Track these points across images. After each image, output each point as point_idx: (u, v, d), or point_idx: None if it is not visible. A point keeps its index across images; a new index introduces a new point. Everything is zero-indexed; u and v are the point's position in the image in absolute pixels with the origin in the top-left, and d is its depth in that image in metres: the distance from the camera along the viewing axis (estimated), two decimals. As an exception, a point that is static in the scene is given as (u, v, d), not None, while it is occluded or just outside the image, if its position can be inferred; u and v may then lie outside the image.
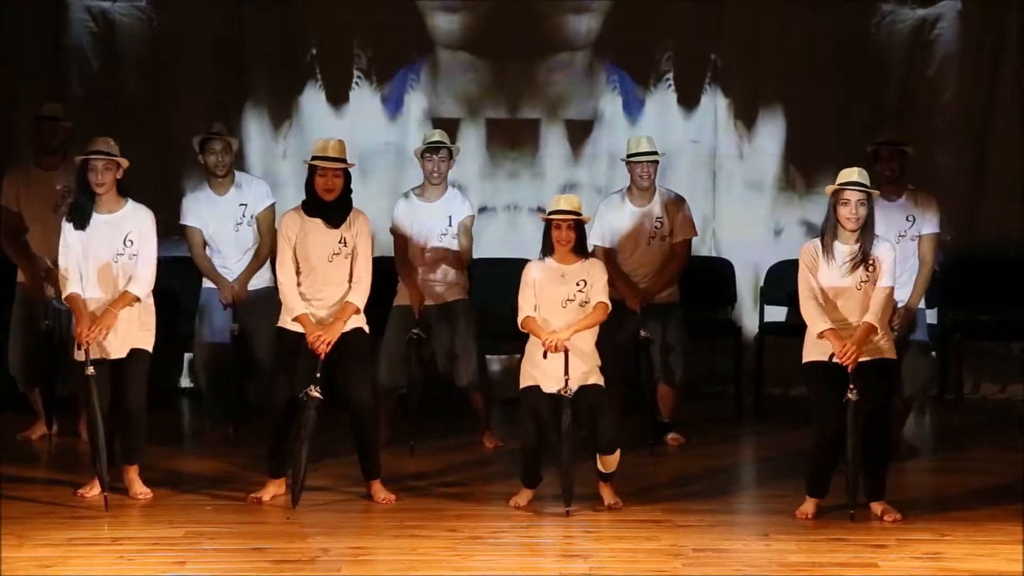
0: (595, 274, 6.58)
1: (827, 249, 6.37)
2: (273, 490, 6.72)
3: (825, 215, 6.46)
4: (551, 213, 6.59)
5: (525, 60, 9.54)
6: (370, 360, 6.85)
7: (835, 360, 6.27)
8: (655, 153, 7.87)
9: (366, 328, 6.72)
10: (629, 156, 7.88)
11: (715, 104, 9.54)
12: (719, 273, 9.43)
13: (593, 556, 5.86)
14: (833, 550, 5.92)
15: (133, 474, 6.74)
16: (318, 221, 6.60)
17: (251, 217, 7.82)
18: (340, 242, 6.59)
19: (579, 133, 9.55)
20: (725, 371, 9.40)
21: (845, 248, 6.38)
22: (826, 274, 6.39)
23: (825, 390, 6.37)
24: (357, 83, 9.53)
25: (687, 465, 7.56)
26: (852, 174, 6.39)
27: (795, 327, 9.25)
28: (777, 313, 9.32)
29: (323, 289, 6.60)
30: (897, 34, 9.51)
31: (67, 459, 7.60)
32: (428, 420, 8.10)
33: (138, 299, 6.62)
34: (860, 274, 6.35)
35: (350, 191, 6.67)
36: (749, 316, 9.52)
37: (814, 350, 6.44)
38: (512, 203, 9.54)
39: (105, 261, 6.59)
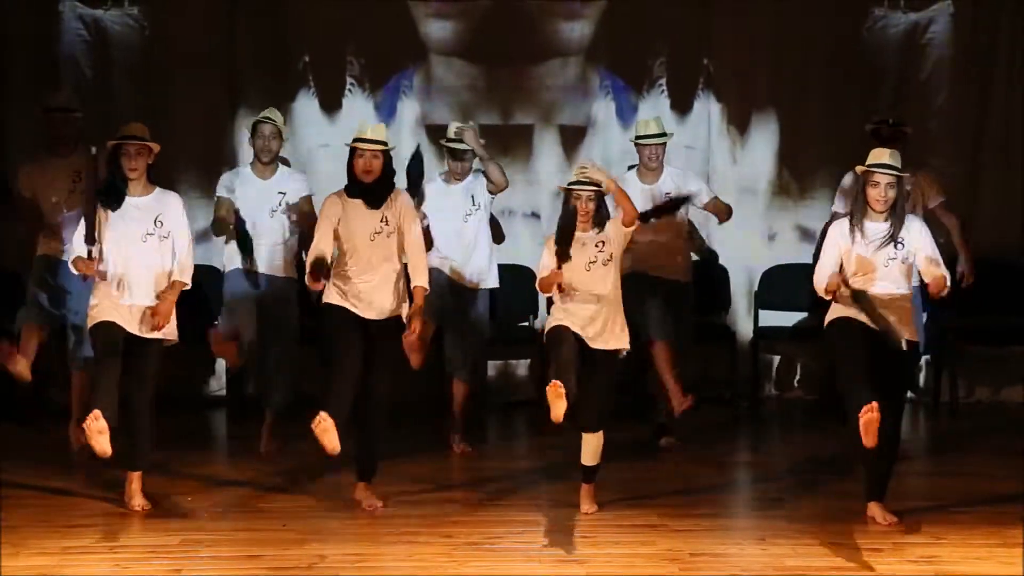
0: (610, 229, 6.51)
1: (857, 226, 6.34)
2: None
3: (854, 195, 6.44)
4: (572, 184, 6.55)
5: (518, 66, 9.56)
6: (400, 353, 6.72)
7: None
8: (663, 135, 7.91)
9: (403, 315, 6.62)
10: (637, 138, 7.93)
11: (708, 109, 9.56)
12: (713, 278, 9.43)
13: (590, 561, 5.86)
14: (829, 554, 5.92)
15: (135, 483, 6.65)
16: (358, 202, 6.61)
17: (286, 206, 7.81)
18: (382, 221, 6.58)
19: (572, 139, 9.57)
20: (720, 376, 9.41)
21: (874, 226, 6.34)
22: (855, 249, 6.33)
23: (847, 341, 6.27)
24: (350, 90, 9.54)
25: (683, 469, 7.56)
26: (883, 155, 6.34)
27: (790, 331, 9.36)
28: (771, 318, 9.33)
29: (367, 270, 6.56)
30: (890, 38, 9.54)
31: (62, 467, 7.58)
32: (427, 424, 8.11)
33: (187, 286, 6.61)
34: (888, 251, 6.30)
35: (392, 173, 6.65)
36: (743, 321, 9.53)
37: (841, 311, 6.35)
38: (506, 209, 9.53)
39: (137, 242, 6.56)
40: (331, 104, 9.52)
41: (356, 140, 6.62)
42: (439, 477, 7.34)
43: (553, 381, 6.17)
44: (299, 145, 9.44)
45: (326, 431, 6.30)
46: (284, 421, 7.88)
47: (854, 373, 6.17)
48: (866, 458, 6.31)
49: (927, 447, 8.64)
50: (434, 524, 6.39)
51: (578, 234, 6.53)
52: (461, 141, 7.80)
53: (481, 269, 7.87)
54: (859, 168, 6.38)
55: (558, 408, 6.12)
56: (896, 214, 6.32)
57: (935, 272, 6.27)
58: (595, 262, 6.49)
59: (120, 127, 6.68)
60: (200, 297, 7.99)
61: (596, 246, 6.51)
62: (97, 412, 6.23)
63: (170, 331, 6.65)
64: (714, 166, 9.56)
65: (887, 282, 6.31)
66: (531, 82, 9.56)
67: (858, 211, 6.36)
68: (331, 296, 6.61)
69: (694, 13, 9.53)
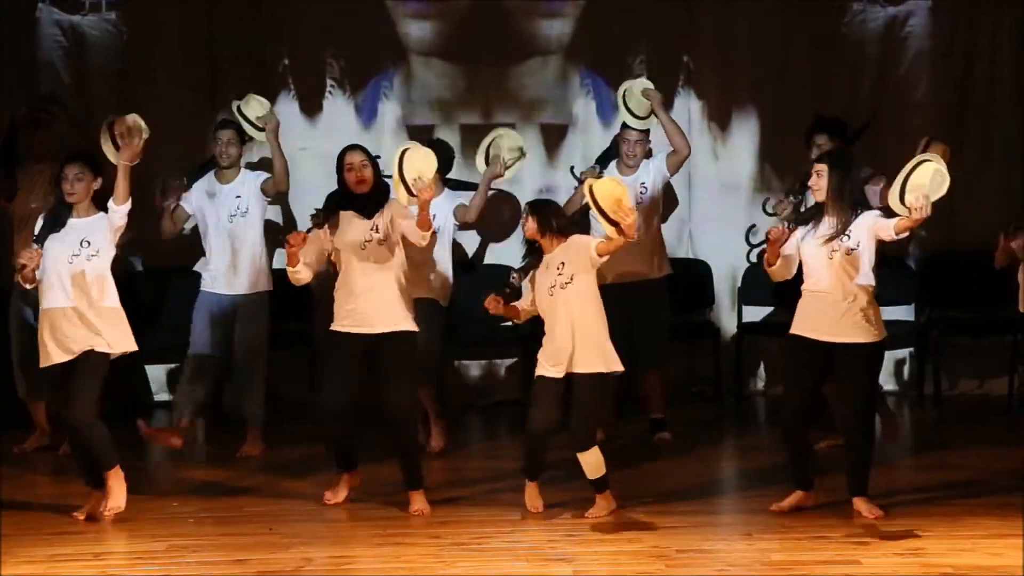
0: (574, 248, 6.45)
1: (816, 221, 6.42)
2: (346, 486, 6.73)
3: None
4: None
5: (498, 65, 9.55)
6: (412, 364, 6.67)
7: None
8: (643, 130, 8.09)
9: (413, 327, 6.63)
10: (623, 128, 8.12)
11: (689, 106, 9.56)
12: (696, 274, 9.44)
13: (577, 559, 5.86)
14: (815, 548, 5.94)
15: (112, 481, 6.56)
16: (350, 214, 6.62)
17: (245, 210, 7.86)
18: (372, 229, 6.58)
19: (554, 137, 9.56)
20: (704, 372, 9.41)
21: (828, 220, 6.41)
22: (806, 242, 6.42)
23: (794, 368, 6.53)
24: (330, 92, 9.52)
25: (669, 466, 7.57)
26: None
27: (774, 326, 9.36)
28: (755, 313, 9.34)
29: (360, 279, 6.56)
30: (868, 32, 9.54)
31: (48, 475, 7.57)
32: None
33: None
34: (834, 244, 6.34)
35: (383, 183, 6.69)
36: (727, 317, 9.53)
37: (798, 324, 6.47)
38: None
39: (64, 263, 6.48)
40: (311, 107, 9.49)
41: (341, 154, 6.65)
42: (425, 478, 7.33)
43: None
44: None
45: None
46: (265, 428, 7.93)
47: (790, 405, 6.50)
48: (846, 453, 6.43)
49: (912, 440, 8.66)
50: (421, 525, 6.40)
51: (545, 256, 6.48)
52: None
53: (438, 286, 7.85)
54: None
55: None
56: (841, 204, 6.34)
57: (892, 222, 6.25)
58: (554, 286, 6.44)
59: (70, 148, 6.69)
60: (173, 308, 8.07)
61: (556, 268, 6.46)
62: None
63: (117, 340, 6.56)
64: (695, 163, 9.55)
65: (832, 276, 6.34)
66: (511, 81, 9.54)
67: (816, 208, 6.46)
68: (334, 323, 6.63)
69: (674, 10, 9.53)
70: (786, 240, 6.39)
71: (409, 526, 6.37)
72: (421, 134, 8.58)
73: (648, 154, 8.27)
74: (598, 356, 6.43)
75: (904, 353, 9.54)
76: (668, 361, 8.41)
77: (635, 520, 6.41)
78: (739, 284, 9.45)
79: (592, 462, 6.47)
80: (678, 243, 9.52)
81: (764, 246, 6.61)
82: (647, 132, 8.22)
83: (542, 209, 6.52)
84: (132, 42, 9.41)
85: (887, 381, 9.52)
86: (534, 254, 6.52)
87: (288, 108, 9.46)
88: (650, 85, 8.27)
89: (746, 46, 9.54)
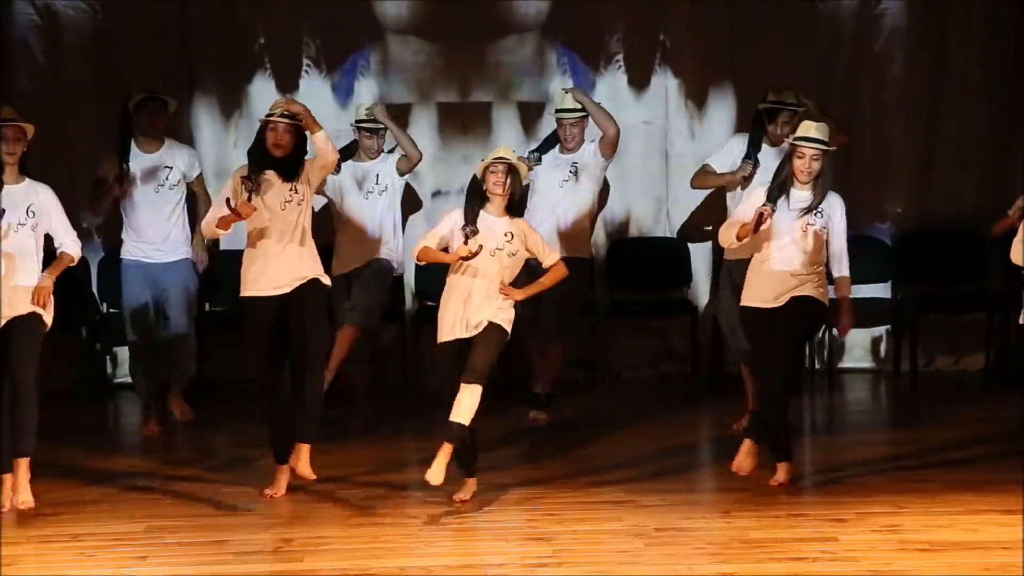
0: (526, 231, 6.48)
1: (784, 193, 6.55)
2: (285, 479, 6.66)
3: (780, 163, 6.67)
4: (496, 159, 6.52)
5: (475, 43, 9.52)
6: (326, 313, 6.82)
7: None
8: (580, 111, 8.17)
9: (325, 280, 6.64)
10: (557, 111, 8.26)
11: (666, 85, 9.55)
12: (674, 253, 9.45)
13: (556, 538, 5.87)
14: (793, 525, 5.96)
15: (23, 472, 6.48)
16: (271, 173, 6.59)
17: (175, 181, 8.00)
18: (291, 191, 6.58)
19: (531, 115, 9.54)
20: (682, 350, 9.43)
21: (799, 195, 6.57)
22: (777, 215, 6.53)
23: (758, 343, 6.65)
24: (307, 71, 9.48)
25: (647, 445, 7.58)
26: (809, 128, 6.58)
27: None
28: (732, 291, 9.35)
29: (284, 238, 6.54)
30: (844, 9, 9.55)
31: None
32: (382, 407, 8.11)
33: (74, 261, 6.55)
34: (808, 218, 6.54)
35: (303, 152, 6.65)
36: (704, 295, 9.54)
37: (751, 294, 6.64)
38: (465, 186, 9.49)
39: (8, 231, 6.41)
40: (288, 86, 9.44)
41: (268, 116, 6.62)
42: (400, 458, 7.34)
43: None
44: (256, 128, 9.35)
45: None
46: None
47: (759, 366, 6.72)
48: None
49: (888, 417, 8.70)
50: (399, 505, 6.40)
51: (489, 216, 6.47)
52: (374, 120, 8.17)
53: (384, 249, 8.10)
54: (787, 140, 6.70)
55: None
56: (819, 186, 6.56)
57: (845, 265, 6.62)
58: (501, 250, 6.42)
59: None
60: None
61: (505, 235, 6.45)
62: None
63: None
64: (672, 142, 9.56)
65: (801, 248, 6.51)
66: (488, 59, 9.52)
67: (785, 179, 6.57)
68: (244, 288, 6.59)
69: (650, -12, 9.52)
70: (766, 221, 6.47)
71: (388, 506, 6.37)
72: (398, 112, 8.57)
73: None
74: (501, 311, 6.40)
75: (881, 330, 9.57)
76: (568, 340, 8.30)
77: (614, 499, 6.42)
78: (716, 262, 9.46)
79: (469, 402, 6.25)
80: (655, 222, 9.53)
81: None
82: (583, 117, 8.21)
83: (515, 174, 6.50)
84: (107, 21, 9.35)
85: (863, 358, 9.58)
86: (475, 210, 6.48)
87: (264, 87, 9.42)
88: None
89: (722, 24, 9.53)
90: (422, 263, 6.62)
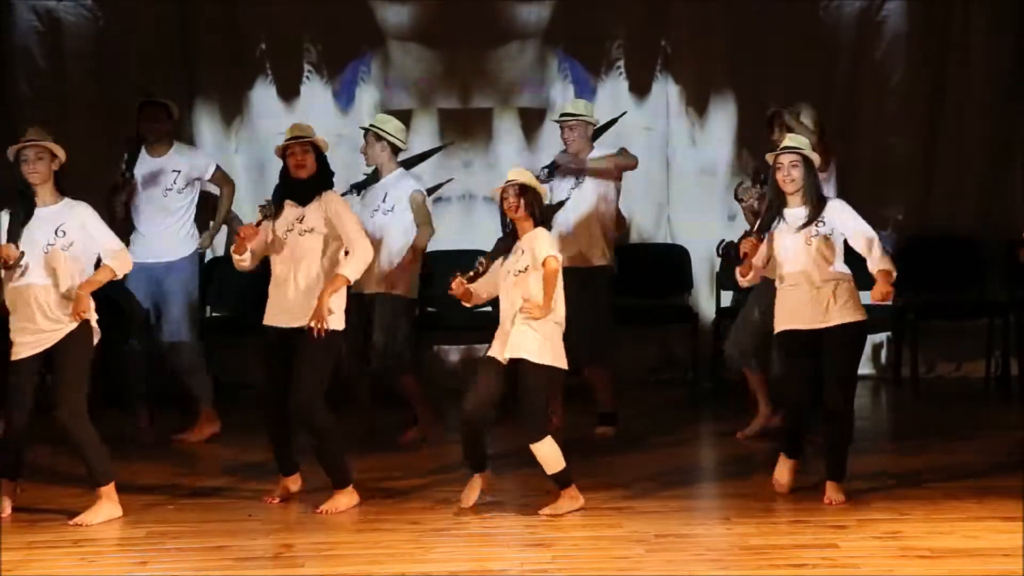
0: (535, 238, 6.30)
1: (779, 216, 6.44)
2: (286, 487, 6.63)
3: (767, 189, 6.56)
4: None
5: (476, 49, 9.55)
6: (324, 361, 6.39)
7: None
8: (580, 116, 7.79)
9: (330, 325, 6.34)
10: (561, 115, 7.93)
11: (666, 91, 9.57)
12: (674, 259, 9.47)
13: (556, 545, 5.87)
14: (793, 532, 5.96)
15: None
16: (288, 201, 6.52)
17: (183, 185, 7.92)
18: (298, 219, 6.46)
19: (532, 121, 9.56)
20: (682, 357, 9.44)
21: (795, 212, 6.43)
22: (778, 237, 6.44)
23: (788, 365, 6.52)
24: (308, 77, 9.50)
25: (647, 452, 7.58)
26: (783, 139, 6.56)
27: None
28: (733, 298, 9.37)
29: (287, 268, 6.44)
30: (845, 16, 9.57)
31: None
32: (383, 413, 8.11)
33: (116, 275, 6.41)
34: (809, 229, 6.38)
35: (326, 173, 6.52)
36: (705, 302, 9.56)
37: (782, 319, 6.47)
38: (467, 192, 9.54)
39: (38, 253, 6.29)
40: (289, 92, 9.48)
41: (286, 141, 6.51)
42: (402, 464, 7.34)
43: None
44: (257, 134, 9.41)
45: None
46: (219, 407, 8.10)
47: (792, 400, 6.49)
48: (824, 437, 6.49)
49: (889, 424, 8.69)
50: (400, 511, 6.40)
51: (517, 240, 6.36)
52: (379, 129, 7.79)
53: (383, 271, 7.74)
54: (768, 156, 6.50)
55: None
56: (809, 196, 6.39)
57: (876, 258, 6.35)
58: (509, 272, 6.33)
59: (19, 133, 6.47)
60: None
61: (514, 252, 6.34)
62: None
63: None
64: (673, 148, 9.58)
65: (812, 259, 6.37)
66: (489, 65, 9.55)
67: (778, 201, 6.44)
68: (267, 316, 6.52)
69: (651, -6, 9.54)
70: (756, 251, 6.41)
71: (389, 512, 6.37)
72: (399, 119, 8.56)
73: (593, 138, 8.00)
74: (547, 349, 6.23)
75: (881, 337, 9.58)
76: (608, 357, 7.96)
77: (614, 505, 6.42)
78: (717, 269, 9.46)
79: (546, 453, 6.23)
80: (656, 228, 9.54)
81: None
82: (583, 119, 7.87)
83: (530, 192, 6.39)
84: (108, 27, 9.37)
85: (864, 365, 9.57)
86: (507, 239, 6.45)
87: (265, 93, 9.45)
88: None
89: (723, 30, 9.55)
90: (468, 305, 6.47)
